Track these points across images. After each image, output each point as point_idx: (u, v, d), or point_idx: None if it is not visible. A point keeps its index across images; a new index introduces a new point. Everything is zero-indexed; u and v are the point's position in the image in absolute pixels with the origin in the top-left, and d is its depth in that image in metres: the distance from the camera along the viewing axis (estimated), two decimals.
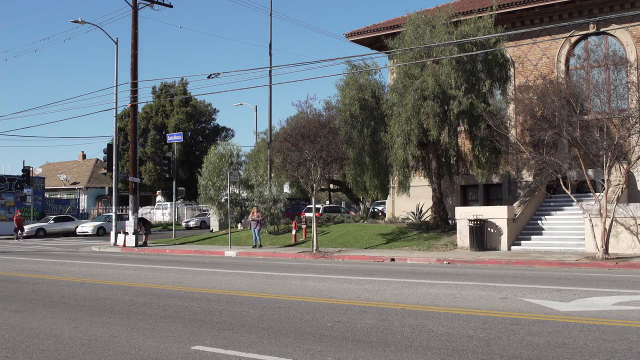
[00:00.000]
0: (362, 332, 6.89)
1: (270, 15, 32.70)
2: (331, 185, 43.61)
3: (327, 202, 50.70)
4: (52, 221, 43.63)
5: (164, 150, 51.80)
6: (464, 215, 21.98)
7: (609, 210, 18.23)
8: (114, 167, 29.86)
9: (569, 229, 21.84)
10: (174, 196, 33.68)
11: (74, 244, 33.09)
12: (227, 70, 75.56)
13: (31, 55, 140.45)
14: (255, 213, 25.51)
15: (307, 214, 32.46)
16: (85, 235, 42.41)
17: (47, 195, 53.64)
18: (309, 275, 13.28)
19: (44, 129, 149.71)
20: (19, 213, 41.74)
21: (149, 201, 62.44)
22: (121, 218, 33.33)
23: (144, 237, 28.84)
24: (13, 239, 39.63)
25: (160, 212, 54.71)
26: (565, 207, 23.03)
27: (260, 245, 24.88)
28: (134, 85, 29.19)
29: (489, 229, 21.43)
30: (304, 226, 26.96)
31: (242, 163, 36.03)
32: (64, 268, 15.69)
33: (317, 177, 22.70)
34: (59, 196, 58.80)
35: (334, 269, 15.19)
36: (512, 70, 25.72)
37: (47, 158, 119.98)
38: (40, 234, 41.92)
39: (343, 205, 51.40)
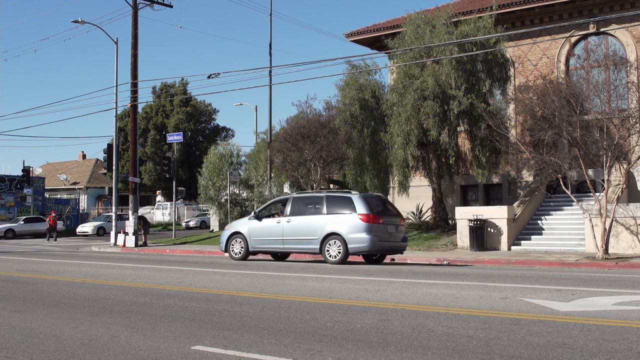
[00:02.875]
0: (362, 332, 6.89)
1: (270, 15, 32.70)
2: (331, 185, 43.58)
3: None
4: (22, 222, 42.97)
5: (164, 150, 51.80)
6: (464, 215, 21.98)
7: (609, 210, 18.23)
8: (114, 167, 29.86)
9: (569, 229, 21.84)
10: (174, 196, 33.68)
11: (74, 244, 33.10)
12: (227, 70, 75.52)
13: (31, 55, 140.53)
14: None
15: None
16: (85, 235, 42.39)
17: (47, 195, 53.64)
18: (309, 275, 13.29)
19: (44, 129, 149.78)
20: (54, 214, 40.89)
21: (149, 201, 62.44)
22: (121, 218, 33.33)
23: (143, 236, 28.80)
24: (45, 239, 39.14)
25: (160, 212, 54.70)
26: (565, 207, 23.04)
27: None
28: (134, 85, 29.19)
29: (489, 229, 21.43)
30: None
31: (242, 163, 36.06)
32: (64, 268, 15.69)
33: (317, 177, 22.71)
34: (59, 196, 58.80)
35: (334, 269, 15.19)
36: (512, 70, 25.74)
37: (47, 158, 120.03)
38: (8, 235, 41.14)
39: None
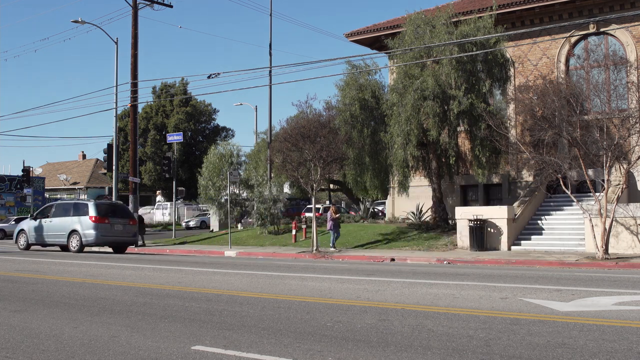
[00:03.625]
0: (362, 332, 6.89)
1: (270, 15, 32.70)
2: (331, 185, 43.58)
3: (327, 202, 50.65)
4: (13, 222, 42.97)
5: (164, 150, 51.79)
6: (464, 215, 21.97)
7: (609, 210, 18.23)
8: (114, 167, 29.86)
9: (569, 229, 21.83)
10: (174, 196, 33.69)
11: None
12: (227, 70, 75.56)
13: (31, 55, 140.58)
14: (335, 213, 23.31)
15: (307, 214, 32.45)
16: None
17: (47, 195, 53.60)
18: (309, 275, 13.29)
19: (44, 129, 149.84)
20: None
21: (149, 201, 62.42)
22: None
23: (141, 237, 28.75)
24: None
25: (160, 212, 54.67)
26: (565, 207, 23.03)
27: (335, 246, 23.05)
28: (134, 85, 29.18)
29: (489, 229, 21.43)
30: (304, 226, 26.96)
31: (242, 163, 36.03)
32: (64, 268, 15.69)
33: (317, 177, 22.69)
34: (59, 196, 58.80)
35: (334, 269, 15.20)
36: (512, 70, 25.72)
37: (47, 158, 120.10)
38: None
39: (343, 205, 51.38)
